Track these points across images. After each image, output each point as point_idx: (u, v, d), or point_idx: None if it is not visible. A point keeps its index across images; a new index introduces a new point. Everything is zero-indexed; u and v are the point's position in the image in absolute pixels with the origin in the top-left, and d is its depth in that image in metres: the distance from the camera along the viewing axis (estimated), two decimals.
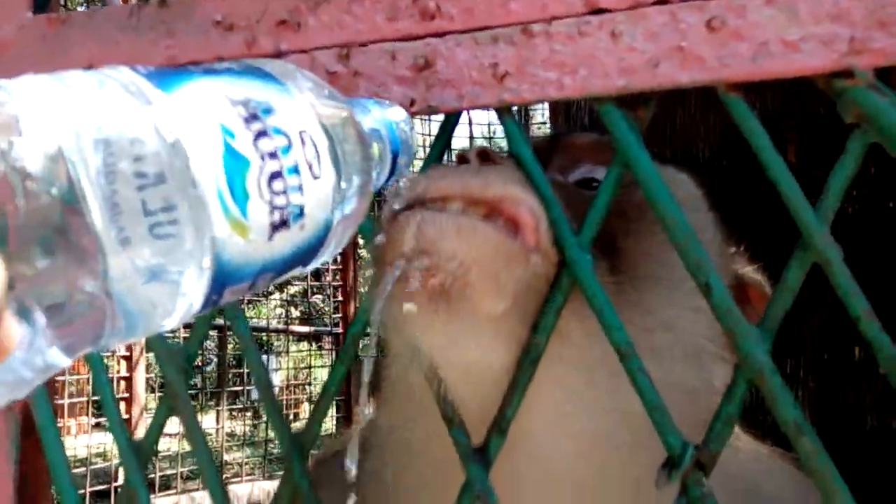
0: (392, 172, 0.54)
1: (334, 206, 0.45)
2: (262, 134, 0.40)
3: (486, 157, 0.67)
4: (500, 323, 0.59)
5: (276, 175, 0.40)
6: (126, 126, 0.35)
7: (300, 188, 0.41)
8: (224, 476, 4.98)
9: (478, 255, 0.57)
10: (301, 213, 0.42)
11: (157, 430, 0.68)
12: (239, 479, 4.83)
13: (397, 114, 0.56)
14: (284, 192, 0.40)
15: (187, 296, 0.37)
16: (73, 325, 0.33)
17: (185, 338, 0.66)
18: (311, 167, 0.42)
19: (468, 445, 0.59)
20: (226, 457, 5.16)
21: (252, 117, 0.40)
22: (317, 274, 6.19)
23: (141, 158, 0.34)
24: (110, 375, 4.32)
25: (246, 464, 5.08)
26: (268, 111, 0.41)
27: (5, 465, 0.71)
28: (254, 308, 6.72)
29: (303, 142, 0.42)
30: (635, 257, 0.72)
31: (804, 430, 0.50)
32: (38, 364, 0.33)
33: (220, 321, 5.65)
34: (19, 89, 0.33)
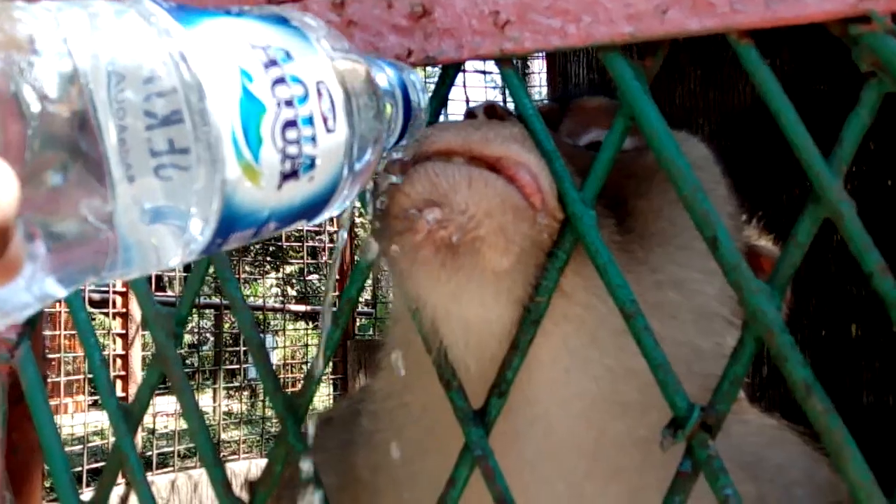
0: (403, 134, 0.53)
1: (345, 162, 0.44)
2: (280, 81, 0.39)
3: (493, 112, 0.65)
4: (505, 279, 0.58)
5: (290, 123, 0.39)
6: (143, 59, 0.34)
7: (313, 139, 0.41)
8: (221, 454, 4.99)
9: (488, 208, 0.56)
10: (312, 165, 0.41)
11: (147, 392, 0.66)
12: (237, 456, 4.83)
13: (411, 75, 0.54)
14: (297, 142, 0.40)
15: (192, 236, 0.36)
16: (72, 255, 0.33)
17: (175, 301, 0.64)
18: (325, 120, 0.42)
19: (467, 408, 0.58)
20: (223, 435, 5.17)
21: (271, 63, 0.39)
22: (314, 253, 6.18)
23: (154, 96, 0.34)
24: (106, 353, 4.32)
25: (244, 442, 5.09)
26: (287, 58, 0.40)
27: None
28: (250, 287, 6.71)
29: (319, 93, 0.41)
30: (646, 216, 0.70)
31: (814, 389, 0.48)
32: (36, 291, 0.33)
33: (216, 300, 5.66)
34: (37, 9, 0.32)
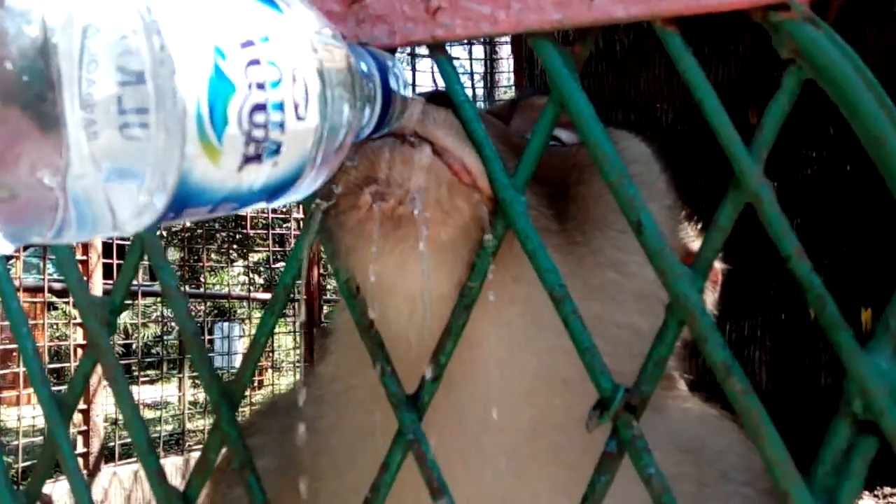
0: (381, 123, 0.53)
1: (313, 149, 0.43)
2: (254, 62, 0.38)
3: (438, 100, 0.66)
4: (445, 252, 0.60)
5: (259, 107, 0.39)
6: (118, 22, 0.33)
7: (281, 125, 0.40)
8: (187, 444, 4.96)
9: (424, 182, 0.58)
10: (277, 151, 0.40)
11: (81, 381, 0.66)
12: (201, 446, 4.80)
13: (394, 66, 0.54)
14: (265, 126, 0.39)
15: (145, 206, 0.36)
16: (19, 211, 0.33)
17: (109, 291, 0.64)
18: (297, 107, 0.41)
19: (400, 393, 0.58)
20: (189, 425, 5.13)
21: (248, 42, 0.38)
22: (280, 241, 6.14)
23: (126, 55, 0.33)
24: (67, 343, 4.26)
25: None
26: (265, 39, 0.39)
27: None
28: (216, 275, 6.65)
29: (294, 79, 0.41)
30: (586, 202, 0.72)
31: (733, 370, 0.49)
32: None
33: (183, 288, 5.59)
34: None
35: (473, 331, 0.59)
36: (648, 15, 0.53)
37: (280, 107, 0.40)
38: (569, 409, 0.66)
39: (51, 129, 0.31)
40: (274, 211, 5.57)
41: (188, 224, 4.95)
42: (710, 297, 0.87)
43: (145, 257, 0.66)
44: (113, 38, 0.33)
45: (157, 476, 0.61)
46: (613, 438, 0.52)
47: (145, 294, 5.00)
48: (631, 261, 0.72)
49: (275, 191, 0.43)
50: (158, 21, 0.34)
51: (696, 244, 0.86)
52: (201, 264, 5.39)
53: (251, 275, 6.71)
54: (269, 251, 5.78)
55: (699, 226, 0.88)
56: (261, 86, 0.39)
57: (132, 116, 0.33)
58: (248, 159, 0.39)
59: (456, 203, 0.59)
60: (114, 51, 0.33)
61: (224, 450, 0.62)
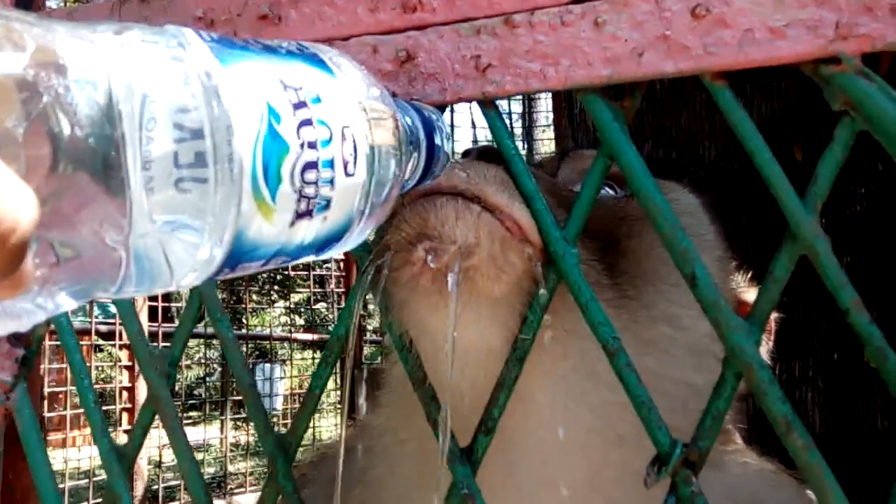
0: (424, 175, 0.54)
1: (360, 204, 0.45)
2: (306, 122, 0.40)
3: (487, 156, 0.67)
4: (499, 307, 0.60)
5: (311, 165, 0.40)
6: (177, 91, 0.35)
7: (332, 182, 0.41)
8: (229, 486, 4.96)
9: (476, 238, 0.58)
10: (327, 206, 0.42)
11: (140, 433, 0.67)
12: (243, 489, 4.81)
13: (438, 119, 0.55)
14: (315, 184, 0.40)
15: (202, 262, 0.37)
16: (85, 270, 0.34)
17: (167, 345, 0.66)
18: (346, 164, 0.42)
19: (454, 446, 0.58)
20: (230, 467, 5.14)
21: (300, 104, 0.40)
22: (321, 281, 6.19)
23: (184, 115, 0.34)
24: (112, 385, 4.32)
25: (251, 474, 5.06)
26: (317, 100, 0.41)
27: None
28: (258, 316, 6.72)
29: (343, 137, 0.42)
30: (637, 256, 0.72)
31: (794, 425, 0.48)
32: (48, 305, 0.33)
33: None
34: (78, 31, 0.33)
35: (526, 385, 0.59)
36: (697, 70, 0.54)
37: (330, 164, 0.41)
38: (624, 464, 0.65)
39: (116, 189, 0.33)
40: None
41: None
42: (765, 348, 0.86)
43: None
44: (173, 101, 0.34)
45: None
46: (672, 495, 0.52)
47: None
48: (684, 314, 0.71)
49: (324, 244, 0.44)
50: (218, 85, 0.36)
51: (746, 294, 0.85)
52: (243, 305, 5.45)
53: (291, 315, 6.76)
54: (310, 292, 5.83)
55: (748, 275, 0.87)
56: (312, 145, 0.40)
57: (188, 171, 0.34)
58: (299, 215, 0.40)
59: (509, 258, 0.59)
60: (172, 112, 0.34)
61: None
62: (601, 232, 0.70)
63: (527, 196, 0.58)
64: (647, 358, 0.58)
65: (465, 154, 0.73)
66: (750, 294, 0.85)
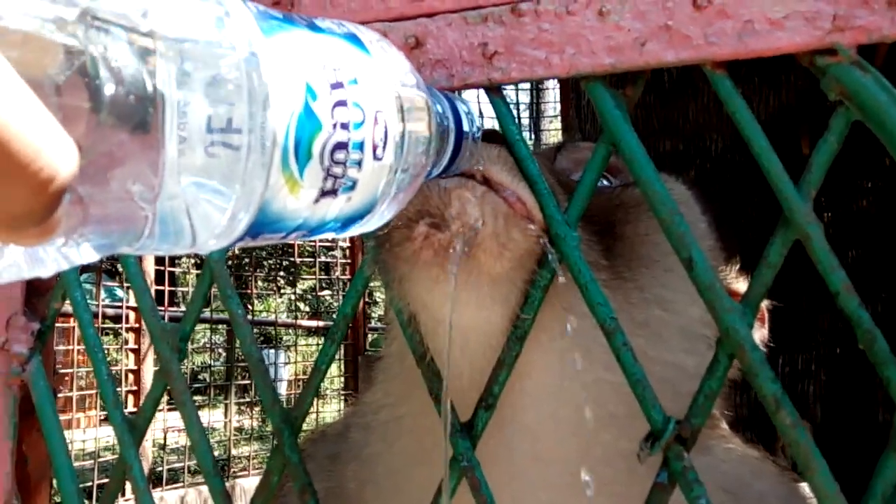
0: (451, 164, 0.55)
1: (385, 188, 0.46)
2: (341, 103, 0.41)
3: (491, 138, 0.68)
4: (501, 284, 0.61)
5: (341, 146, 0.41)
6: (218, 57, 0.35)
7: (360, 164, 0.42)
8: (232, 470, 5.01)
9: (480, 215, 0.59)
10: (352, 187, 0.43)
11: (151, 405, 0.69)
12: (247, 472, 4.85)
13: (466, 108, 0.56)
14: (344, 164, 0.41)
15: (223, 228, 0.38)
16: (112, 224, 0.34)
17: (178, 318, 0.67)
18: (375, 148, 0.43)
19: (455, 420, 0.60)
20: (234, 451, 5.18)
21: (338, 84, 0.41)
22: (326, 269, 6.22)
23: (223, 88, 0.35)
24: (118, 368, 4.36)
25: (254, 458, 5.11)
26: (353, 82, 0.42)
27: (3, 441, 0.73)
28: (263, 302, 6.75)
29: (376, 121, 0.43)
30: (633, 241, 0.74)
31: (783, 403, 0.50)
32: (69, 254, 0.34)
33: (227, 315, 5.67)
34: None
35: (525, 363, 0.61)
36: (698, 60, 0.56)
37: (360, 146, 0.42)
38: (615, 441, 0.67)
39: (150, 149, 0.33)
40: (320, 239, 5.64)
41: (236, 251, 5.05)
42: (758, 335, 0.88)
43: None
44: (213, 67, 0.35)
45: (222, 497, 0.64)
46: (664, 470, 0.53)
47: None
48: (677, 299, 0.73)
49: (345, 223, 0.46)
50: (259, 55, 0.37)
51: (736, 284, 0.87)
52: (249, 291, 5.49)
53: (297, 302, 6.79)
54: (315, 279, 5.86)
55: (738, 266, 0.89)
56: (345, 126, 0.41)
57: (221, 136, 0.35)
58: (325, 193, 0.41)
59: (512, 234, 0.60)
60: (211, 78, 0.35)
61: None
62: (598, 217, 0.72)
63: (530, 179, 0.60)
64: (639, 339, 0.60)
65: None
66: (740, 284, 0.87)
